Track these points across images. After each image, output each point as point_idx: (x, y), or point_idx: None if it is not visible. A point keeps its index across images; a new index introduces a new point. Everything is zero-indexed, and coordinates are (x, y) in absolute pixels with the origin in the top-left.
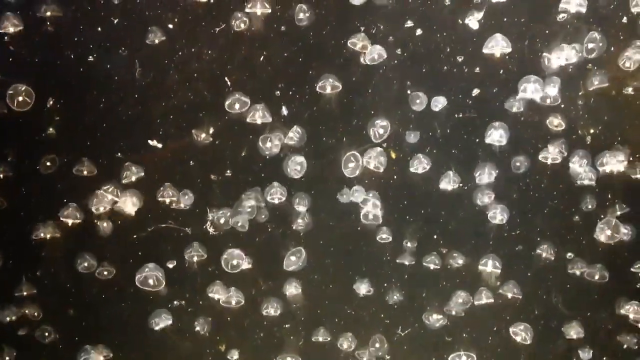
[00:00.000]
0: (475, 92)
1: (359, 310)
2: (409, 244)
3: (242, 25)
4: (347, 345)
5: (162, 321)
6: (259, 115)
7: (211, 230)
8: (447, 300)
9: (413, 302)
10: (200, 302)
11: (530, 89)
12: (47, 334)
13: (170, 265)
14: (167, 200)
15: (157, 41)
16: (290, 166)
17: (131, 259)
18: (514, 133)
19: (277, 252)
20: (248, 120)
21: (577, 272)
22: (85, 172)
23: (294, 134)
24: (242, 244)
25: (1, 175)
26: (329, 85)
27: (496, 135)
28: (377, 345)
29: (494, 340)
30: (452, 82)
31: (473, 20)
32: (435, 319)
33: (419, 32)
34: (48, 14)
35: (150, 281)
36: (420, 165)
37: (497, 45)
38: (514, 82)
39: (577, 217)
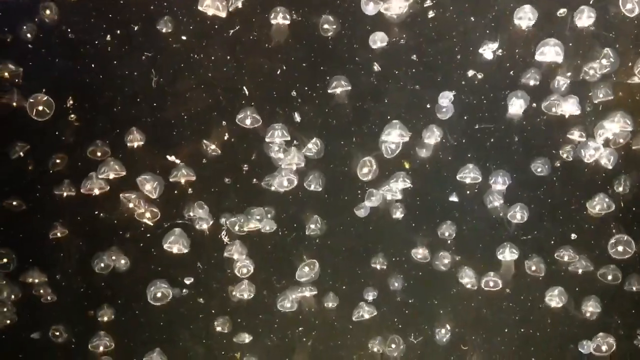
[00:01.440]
0: (475, 75)
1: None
2: (420, 251)
3: (240, 5)
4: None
5: (158, 290)
6: (277, 135)
7: (226, 239)
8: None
9: (425, 308)
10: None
11: (550, 52)
12: (58, 333)
13: (188, 282)
14: (183, 180)
15: (164, 30)
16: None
17: (148, 258)
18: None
19: (291, 257)
20: (267, 139)
21: (579, 271)
22: (99, 154)
23: (313, 146)
24: (255, 248)
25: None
26: (340, 88)
27: (517, 105)
28: (394, 345)
29: (506, 346)
30: (465, 89)
31: (488, 51)
32: (443, 333)
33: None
34: None
35: (175, 248)
36: (432, 136)
37: (525, 17)
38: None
39: (591, 220)
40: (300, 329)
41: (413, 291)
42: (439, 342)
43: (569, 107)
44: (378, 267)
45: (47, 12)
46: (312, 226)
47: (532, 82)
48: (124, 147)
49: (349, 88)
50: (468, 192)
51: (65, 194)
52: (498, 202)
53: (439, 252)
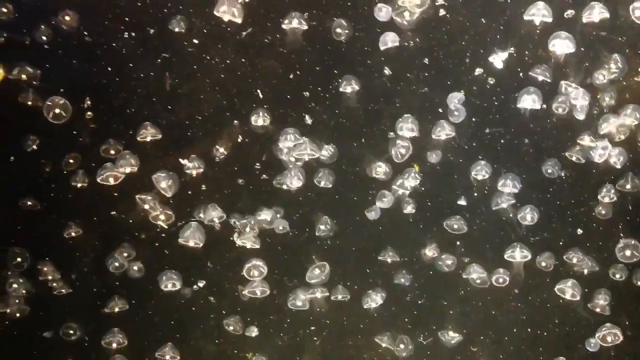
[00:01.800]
0: (483, 75)
1: (380, 314)
2: (429, 252)
3: None
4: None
5: (169, 280)
6: (290, 139)
7: (239, 242)
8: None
9: (434, 308)
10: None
11: (561, 45)
12: (71, 331)
13: (200, 284)
14: (194, 173)
15: (177, 29)
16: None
17: (161, 258)
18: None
19: (302, 256)
20: (280, 145)
21: (584, 272)
22: (112, 152)
23: (327, 152)
24: (267, 248)
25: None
26: (349, 87)
27: (529, 100)
28: (402, 346)
29: (515, 346)
30: (475, 91)
31: (497, 60)
32: (451, 337)
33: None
34: None
35: (192, 242)
36: (443, 132)
37: (538, 14)
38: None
39: (600, 223)
40: (311, 328)
41: (422, 292)
42: (448, 344)
43: (580, 101)
44: (389, 260)
45: (66, 16)
46: (322, 227)
47: (540, 78)
48: (137, 147)
49: (357, 88)
50: (476, 194)
51: (79, 184)
52: (508, 204)
53: (448, 253)
